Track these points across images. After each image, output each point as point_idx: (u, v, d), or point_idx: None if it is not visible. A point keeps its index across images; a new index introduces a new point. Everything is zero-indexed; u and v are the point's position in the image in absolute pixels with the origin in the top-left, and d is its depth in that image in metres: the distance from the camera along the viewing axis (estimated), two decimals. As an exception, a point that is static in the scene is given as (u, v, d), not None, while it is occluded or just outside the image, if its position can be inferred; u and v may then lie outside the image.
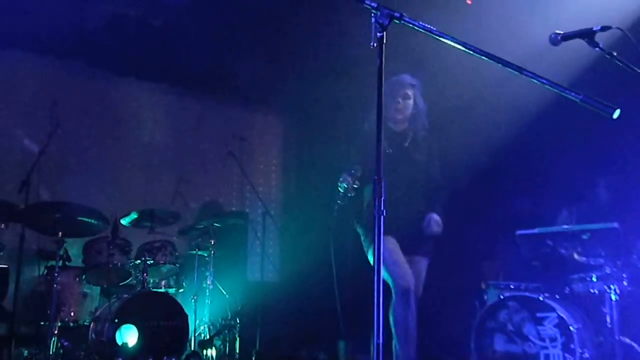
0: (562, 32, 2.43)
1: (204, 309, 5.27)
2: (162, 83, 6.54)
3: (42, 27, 5.24)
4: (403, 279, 3.52)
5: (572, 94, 1.85)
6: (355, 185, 3.41)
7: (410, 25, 2.04)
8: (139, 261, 4.97)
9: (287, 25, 5.98)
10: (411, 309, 3.53)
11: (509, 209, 5.45)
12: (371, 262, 3.35)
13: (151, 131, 6.38)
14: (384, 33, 2.03)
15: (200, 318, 5.22)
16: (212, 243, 5.35)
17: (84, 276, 4.88)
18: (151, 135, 6.36)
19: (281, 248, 7.13)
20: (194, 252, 5.35)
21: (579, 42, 2.38)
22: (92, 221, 4.81)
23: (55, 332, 4.51)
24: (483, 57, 1.89)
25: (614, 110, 1.81)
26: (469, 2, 5.15)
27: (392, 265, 3.53)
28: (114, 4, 5.61)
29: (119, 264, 4.91)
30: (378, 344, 1.90)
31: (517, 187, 5.41)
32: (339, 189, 3.42)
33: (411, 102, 3.81)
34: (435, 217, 3.71)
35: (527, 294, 4.29)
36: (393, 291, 3.55)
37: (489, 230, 5.27)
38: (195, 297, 5.12)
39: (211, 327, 5.27)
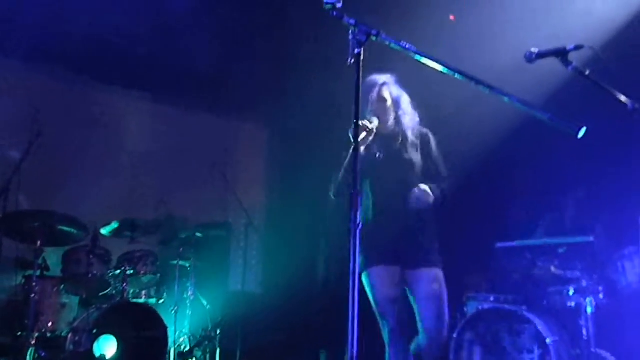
0: (537, 50, 2.49)
1: (184, 319, 5.24)
2: (147, 92, 6.54)
3: (26, 34, 5.23)
4: (385, 318, 3.28)
5: (540, 112, 1.90)
6: (368, 132, 3.17)
7: (387, 43, 2.09)
8: (118, 271, 4.94)
9: (273, 38, 6.02)
10: (398, 348, 3.27)
11: (491, 221, 5.51)
12: (365, 286, 3.29)
13: (135, 140, 6.36)
14: (362, 49, 2.07)
15: (181, 329, 5.19)
16: (194, 253, 5.33)
17: (62, 286, 4.84)
18: (135, 145, 6.34)
19: (264, 259, 7.13)
20: (176, 262, 5.32)
21: (553, 61, 2.44)
22: (72, 230, 4.78)
23: (33, 342, 4.46)
24: (456, 75, 1.93)
25: (580, 130, 1.87)
26: (452, 18, 5.24)
27: (374, 304, 3.29)
28: (102, 12, 5.60)
29: (99, 273, 4.88)
30: (352, 355, 1.91)
31: (496, 201, 5.47)
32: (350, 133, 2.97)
33: (388, 102, 3.46)
34: (416, 190, 3.26)
35: (506, 306, 4.34)
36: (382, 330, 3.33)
37: (472, 243, 5.31)
38: (175, 308, 5.09)
39: (191, 338, 5.24)
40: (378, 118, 3.34)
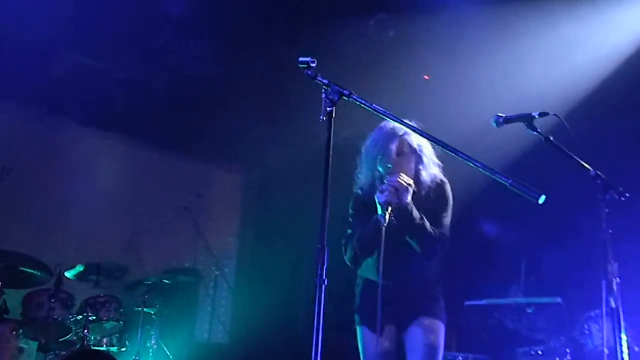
0: (504, 115, 2.58)
1: (146, 369, 5.08)
2: (121, 134, 6.52)
3: (3, 71, 5.22)
4: None
5: (503, 177, 1.95)
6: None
7: (358, 103, 2.14)
8: (80, 316, 4.79)
9: (249, 86, 6.10)
10: None
11: (462, 279, 5.52)
12: (358, 342, 3.10)
13: (106, 181, 6.30)
14: (334, 108, 2.12)
15: (142, 379, 5.02)
16: (160, 300, 5.22)
17: (21, 330, 4.67)
18: (105, 186, 6.28)
19: (233, 308, 7.01)
20: (140, 309, 5.19)
21: (519, 126, 2.52)
22: (35, 272, 4.67)
23: (-15, 388, 4.28)
24: (423, 137, 1.98)
25: (540, 196, 1.92)
26: (426, 77, 5.38)
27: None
28: (81, 54, 5.64)
29: (60, 318, 4.73)
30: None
31: (470, 261, 5.50)
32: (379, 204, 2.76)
33: (409, 156, 3.02)
34: (392, 180, 2.88)
35: (473, 366, 4.31)
36: None
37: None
38: (137, 357, 4.94)
39: (152, 389, 5.07)
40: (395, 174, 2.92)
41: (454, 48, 4.97)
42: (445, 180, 3.12)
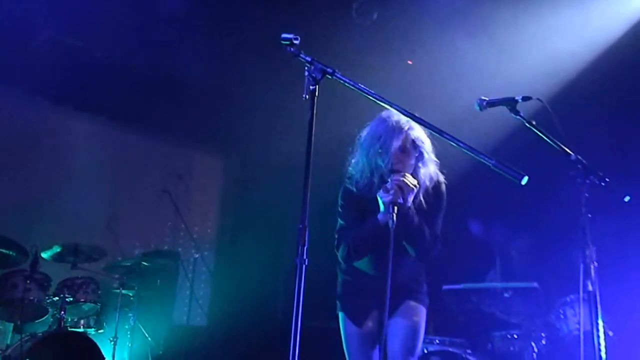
0: (487, 99, 2.57)
1: (123, 351, 5.05)
2: (101, 116, 6.41)
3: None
4: None
5: (486, 158, 1.95)
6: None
7: (342, 82, 2.12)
8: (57, 298, 4.73)
9: (233, 70, 6.03)
10: None
11: (442, 264, 5.56)
12: (341, 332, 3.05)
13: (84, 162, 6.19)
14: (317, 86, 2.09)
15: (119, 361, 4.99)
16: (139, 282, 5.17)
17: (-5, 311, 4.61)
18: (84, 167, 6.17)
19: (212, 291, 6.98)
20: (118, 291, 5.14)
21: (502, 109, 2.52)
22: (10, 252, 4.59)
23: (-41, 370, 4.22)
24: (408, 118, 1.97)
25: (523, 177, 1.93)
26: (410, 62, 5.38)
27: (347, 353, 3.07)
28: (61, 32, 5.51)
29: (36, 299, 4.66)
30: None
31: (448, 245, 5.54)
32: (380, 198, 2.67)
33: (413, 153, 2.89)
34: (397, 179, 2.75)
35: (450, 349, 4.35)
36: None
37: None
38: (115, 339, 4.90)
39: (129, 371, 5.05)
40: (398, 171, 2.80)
41: (438, 32, 4.96)
42: (442, 180, 3.01)
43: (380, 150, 2.85)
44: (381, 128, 2.89)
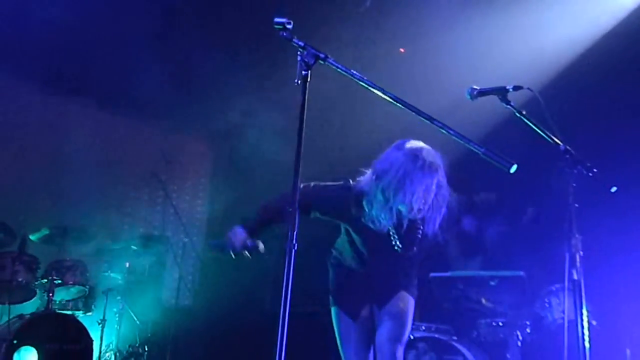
0: (478, 88, 2.58)
1: (111, 334, 5.06)
2: (91, 99, 6.36)
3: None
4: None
5: (476, 146, 1.96)
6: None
7: (334, 67, 2.12)
8: (45, 280, 4.73)
9: (225, 55, 6.00)
10: None
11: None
12: (334, 326, 3.13)
13: (75, 146, 6.15)
14: (309, 72, 2.08)
15: (107, 344, 5.00)
16: (127, 266, 5.17)
17: (-17, 293, 4.60)
18: (73, 150, 6.13)
19: (201, 276, 6.99)
20: (107, 274, 5.15)
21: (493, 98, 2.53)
22: (-2, 234, 4.56)
23: (-54, 350, 4.21)
24: (398, 104, 1.97)
25: (512, 165, 1.94)
26: (402, 50, 5.38)
27: (340, 346, 3.12)
28: (55, 9, 5.43)
29: (24, 281, 4.66)
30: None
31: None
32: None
33: (435, 195, 2.81)
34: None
35: (436, 335, 4.39)
36: None
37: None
38: (103, 321, 4.91)
39: (117, 353, 5.06)
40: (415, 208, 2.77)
41: (430, 21, 4.96)
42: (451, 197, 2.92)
43: (410, 197, 2.72)
44: (411, 168, 2.70)
